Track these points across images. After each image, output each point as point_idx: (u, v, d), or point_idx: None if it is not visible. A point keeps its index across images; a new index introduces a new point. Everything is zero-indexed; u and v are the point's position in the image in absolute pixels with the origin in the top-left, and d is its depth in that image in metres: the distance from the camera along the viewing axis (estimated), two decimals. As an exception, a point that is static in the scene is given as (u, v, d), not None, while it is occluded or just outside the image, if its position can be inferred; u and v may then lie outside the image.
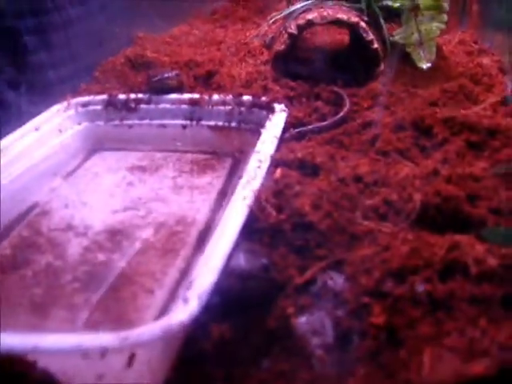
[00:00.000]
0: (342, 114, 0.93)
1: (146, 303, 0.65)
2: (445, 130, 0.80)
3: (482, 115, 0.80)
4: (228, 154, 0.95)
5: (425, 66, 0.98)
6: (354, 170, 0.73)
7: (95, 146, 1.03)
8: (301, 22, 1.03)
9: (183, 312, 0.49)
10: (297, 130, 0.92)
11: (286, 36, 1.04)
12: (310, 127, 0.92)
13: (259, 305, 0.58)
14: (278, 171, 0.72)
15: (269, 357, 0.56)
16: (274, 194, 0.67)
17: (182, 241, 0.75)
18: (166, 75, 1.02)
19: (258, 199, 0.67)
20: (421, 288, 0.50)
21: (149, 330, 0.47)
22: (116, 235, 0.77)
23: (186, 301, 0.50)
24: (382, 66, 1.02)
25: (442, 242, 0.57)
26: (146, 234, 0.77)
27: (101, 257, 0.73)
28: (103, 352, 0.46)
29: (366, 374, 0.51)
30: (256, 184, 0.68)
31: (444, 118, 0.81)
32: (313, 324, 0.58)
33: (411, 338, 0.50)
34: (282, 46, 1.05)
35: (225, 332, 0.55)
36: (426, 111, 0.84)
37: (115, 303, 0.65)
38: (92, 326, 0.63)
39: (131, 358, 0.46)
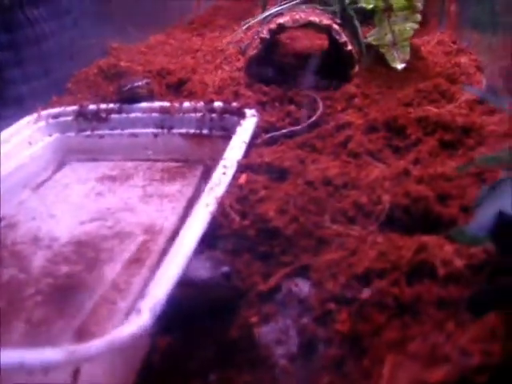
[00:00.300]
0: (314, 117, 0.91)
1: (107, 315, 0.62)
2: (418, 129, 0.78)
3: (456, 113, 0.78)
4: (199, 162, 0.93)
5: (399, 66, 0.96)
6: (323, 172, 0.71)
7: (66, 158, 1.01)
8: (272, 26, 1.01)
9: (134, 324, 0.47)
10: (269, 135, 0.90)
11: (258, 41, 1.03)
12: (282, 132, 0.90)
13: (220, 314, 0.56)
14: (243, 176, 0.70)
15: (231, 368, 0.53)
16: (238, 200, 0.65)
17: (148, 250, 0.72)
18: (136, 84, 1.00)
19: (221, 206, 0.64)
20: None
21: (95, 344, 0.45)
22: (82, 247, 0.75)
23: (137, 312, 0.48)
24: (357, 68, 1.00)
25: (410, 244, 0.54)
26: (112, 244, 0.74)
27: (64, 269, 0.71)
28: (46, 368, 0.43)
29: (328, 383, 0.48)
30: (220, 190, 0.66)
31: (417, 118, 0.79)
32: (277, 333, 0.55)
33: (375, 345, 0.47)
34: (255, 51, 1.03)
35: (180, 343, 0.53)
36: (399, 111, 0.82)
37: (76, 316, 0.63)
38: (51, 339, 0.60)
39: (76, 374, 0.44)
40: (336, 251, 0.60)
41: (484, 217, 0.39)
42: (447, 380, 0.36)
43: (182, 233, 0.60)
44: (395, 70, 0.98)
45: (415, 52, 1.00)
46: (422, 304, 0.49)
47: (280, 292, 0.58)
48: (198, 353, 0.55)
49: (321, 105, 0.94)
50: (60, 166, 0.99)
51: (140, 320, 0.47)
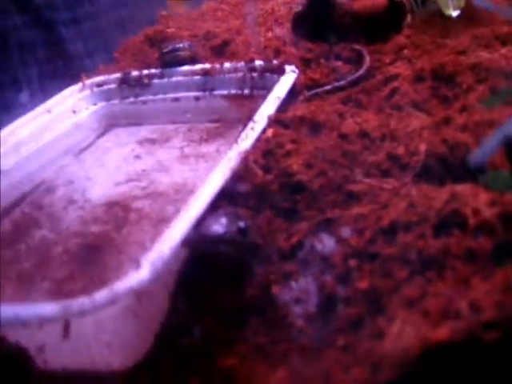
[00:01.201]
0: (360, 71, 0.86)
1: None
2: (469, 77, 0.71)
3: (510, 57, 0.70)
4: (239, 122, 0.89)
5: (453, 13, 0.88)
6: (360, 125, 0.66)
7: (110, 124, 1.01)
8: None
9: (133, 278, 0.44)
10: (311, 92, 0.85)
11: (303, -3, 0.97)
12: (325, 88, 0.85)
13: (235, 272, 0.53)
14: (270, 130, 0.65)
15: (246, 328, 0.50)
16: (263, 155, 0.61)
17: (177, 209, 0.70)
18: (178, 46, 0.98)
19: (245, 160, 0.61)
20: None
21: (91, 298, 0.43)
22: (113, 207, 0.74)
23: (137, 266, 0.45)
24: (409, 19, 0.93)
25: (442, 194, 0.49)
26: (143, 204, 0.73)
27: (94, 228, 0.70)
28: (40, 321, 0.42)
29: (344, 345, 0.44)
30: (244, 145, 0.62)
31: (469, 65, 0.72)
32: (296, 292, 0.51)
33: (393, 303, 0.43)
34: (299, 7, 0.98)
35: (194, 302, 0.50)
36: (449, 59, 0.74)
37: (100, 273, 0.62)
38: (71, 297, 0.60)
39: (66, 328, 0.42)
40: (366, 205, 0.55)
41: (489, 143, 0.34)
42: (452, 338, 0.31)
43: (200, 189, 0.57)
44: (451, 18, 0.90)
45: (474, -2, 0.91)
46: (448, 258, 0.43)
47: (302, 249, 0.54)
48: (211, 312, 0.52)
49: (367, 58, 0.88)
50: (103, 132, 0.99)
51: (138, 274, 0.44)
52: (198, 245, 0.52)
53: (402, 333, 0.35)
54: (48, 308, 0.43)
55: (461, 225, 0.45)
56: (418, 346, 0.33)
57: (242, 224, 0.53)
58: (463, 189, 0.48)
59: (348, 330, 0.45)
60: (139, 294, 0.44)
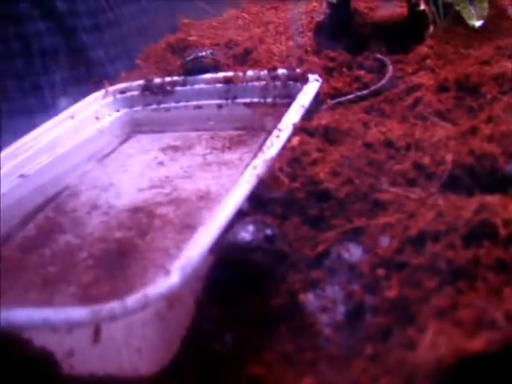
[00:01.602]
0: (383, 81, 0.86)
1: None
2: (494, 87, 0.71)
3: (537, 68, 0.70)
4: (262, 130, 0.90)
5: (476, 23, 0.88)
6: (384, 134, 0.66)
7: (132, 131, 1.01)
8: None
9: (162, 284, 0.45)
10: (334, 101, 0.85)
11: (324, 6, 0.98)
12: (348, 97, 0.85)
13: (263, 280, 0.53)
14: (296, 138, 0.66)
15: (273, 337, 0.50)
16: (289, 163, 0.62)
17: (201, 216, 0.70)
18: (201, 54, 0.99)
19: (271, 168, 0.61)
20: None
21: (121, 303, 0.43)
22: (137, 213, 0.74)
23: (167, 272, 0.46)
24: (432, 29, 0.93)
25: (471, 204, 0.49)
26: (167, 210, 0.73)
27: (118, 234, 0.70)
28: (70, 326, 0.42)
29: (373, 354, 0.44)
30: (270, 153, 0.62)
31: (493, 75, 0.72)
32: (323, 300, 0.51)
33: (423, 313, 0.43)
34: (321, 17, 0.98)
35: (219, 308, 0.51)
36: (473, 69, 0.74)
37: (124, 279, 0.62)
38: (99, 302, 0.60)
39: (97, 333, 0.42)
40: (392, 215, 0.55)
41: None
42: (489, 348, 0.31)
43: (227, 196, 0.58)
44: (474, 28, 0.90)
45: (497, 9, 0.91)
46: (479, 268, 0.43)
47: (329, 257, 0.54)
48: (238, 319, 0.52)
49: (390, 68, 0.88)
50: (126, 139, 1.00)
51: (168, 280, 0.45)
52: (225, 252, 0.52)
53: (435, 343, 0.35)
54: (78, 312, 0.43)
55: (491, 235, 0.45)
56: (452, 357, 0.33)
57: (268, 231, 0.53)
58: (492, 199, 0.48)
59: (376, 339, 0.45)
60: (169, 299, 0.45)
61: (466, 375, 0.32)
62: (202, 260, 0.47)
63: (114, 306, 0.43)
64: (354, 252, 0.54)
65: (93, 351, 0.48)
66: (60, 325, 0.44)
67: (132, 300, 0.43)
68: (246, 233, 0.53)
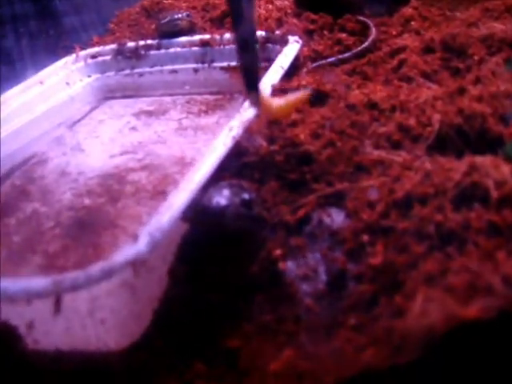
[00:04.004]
0: (366, 43, 0.82)
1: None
2: (482, 49, 0.68)
3: (526, 28, 0.67)
4: (240, 94, 0.86)
5: (463, -17, 0.85)
6: (368, 96, 0.63)
7: (105, 97, 0.97)
8: None
9: (129, 251, 0.41)
10: (315, 64, 0.81)
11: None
12: (329, 60, 0.81)
13: (240, 246, 0.50)
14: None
15: (251, 307, 0.47)
16: (267, 124, 0.58)
17: (175, 182, 0.67)
18: (176, 17, 0.94)
19: (248, 130, 0.58)
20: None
21: (83, 272, 0.40)
22: (108, 179, 0.71)
23: (134, 238, 0.42)
24: (417, -10, 0.89)
25: (460, 166, 0.46)
26: (139, 176, 0.70)
27: (87, 201, 0.67)
28: (29, 296, 0.39)
29: (357, 324, 0.41)
30: (248, 114, 0.59)
31: (481, 36, 0.69)
32: (303, 268, 0.48)
33: (411, 279, 0.40)
34: (302, -24, 0.94)
35: (193, 278, 0.47)
36: (460, 30, 0.71)
37: (93, 248, 0.59)
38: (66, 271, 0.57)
39: (57, 304, 0.39)
40: (376, 178, 0.52)
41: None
42: (484, 315, 0.28)
43: (200, 159, 0.54)
44: (460, -11, 0.87)
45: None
46: (469, 232, 0.40)
47: (310, 223, 0.51)
48: (214, 289, 0.49)
49: (373, 30, 0.85)
50: (98, 105, 0.95)
51: (135, 246, 0.41)
52: (199, 217, 0.49)
53: (425, 310, 0.32)
54: (37, 282, 0.40)
55: (482, 198, 0.42)
56: (444, 325, 0.30)
57: (245, 196, 0.50)
58: (483, 160, 0.45)
59: (360, 309, 0.42)
60: (136, 267, 0.41)
61: (460, 344, 0.30)
62: (172, 226, 0.44)
63: (75, 275, 0.39)
64: (336, 217, 0.51)
65: (56, 324, 0.44)
66: (18, 296, 0.41)
67: (95, 268, 0.40)
68: (222, 197, 0.49)
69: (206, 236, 0.50)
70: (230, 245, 0.49)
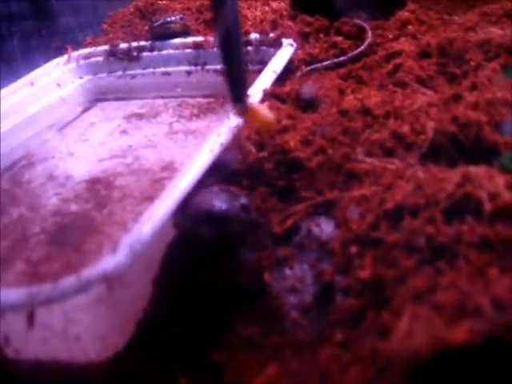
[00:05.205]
0: (362, 47, 0.81)
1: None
2: (479, 54, 0.66)
3: (524, 34, 0.65)
4: (232, 97, 0.84)
5: (461, -13, 0.83)
6: (361, 102, 0.61)
7: (96, 99, 0.95)
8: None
9: (107, 263, 0.40)
10: (309, 68, 0.80)
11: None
12: (324, 63, 0.80)
13: (228, 252, 0.48)
14: (265, 104, 0.60)
15: (236, 320, 0.46)
16: (256, 131, 0.56)
17: (163, 187, 0.65)
18: (169, 19, 0.92)
19: (237, 136, 0.56)
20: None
21: (56, 285, 0.38)
22: (95, 184, 0.69)
23: (114, 250, 0.40)
24: (414, -7, 0.88)
25: (453, 176, 0.44)
26: (127, 181, 0.68)
27: (74, 207, 0.65)
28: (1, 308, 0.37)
29: (343, 340, 0.40)
30: (236, 120, 0.57)
31: (478, 41, 0.67)
32: (290, 280, 0.47)
33: (399, 295, 0.38)
34: (299, -21, 0.92)
35: (179, 288, 0.46)
36: (457, 35, 0.69)
37: (78, 256, 0.57)
38: (49, 279, 0.55)
39: (30, 318, 0.37)
40: (367, 187, 0.50)
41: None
42: (472, 339, 0.26)
43: (187, 166, 0.53)
44: (458, -7, 0.85)
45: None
46: (461, 246, 0.39)
47: (298, 233, 0.50)
48: (199, 301, 0.48)
49: (370, 34, 0.83)
50: (89, 107, 0.94)
51: (114, 258, 0.40)
52: (189, 223, 0.48)
53: (411, 330, 0.31)
54: (10, 294, 0.38)
55: (475, 210, 0.41)
56: (429, 348, 0.28)
57: (243, 200, 0.48)
58: (477, 171, 0.44)
59: (347, 324, 0.41)
60: (113, 280, 0.39)
61: (446, 370, 0.28)
62: (154, 236, 0.42)
63: (47, 288, 0.38)
64: (324, 227, 0.49)
65: (33, 336, 0.43)
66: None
67: (68, 282, 0.38)
68: (221, 202, 0.48)
69: (196, 242, 0.48)
70: (220, 251, 0.48)
